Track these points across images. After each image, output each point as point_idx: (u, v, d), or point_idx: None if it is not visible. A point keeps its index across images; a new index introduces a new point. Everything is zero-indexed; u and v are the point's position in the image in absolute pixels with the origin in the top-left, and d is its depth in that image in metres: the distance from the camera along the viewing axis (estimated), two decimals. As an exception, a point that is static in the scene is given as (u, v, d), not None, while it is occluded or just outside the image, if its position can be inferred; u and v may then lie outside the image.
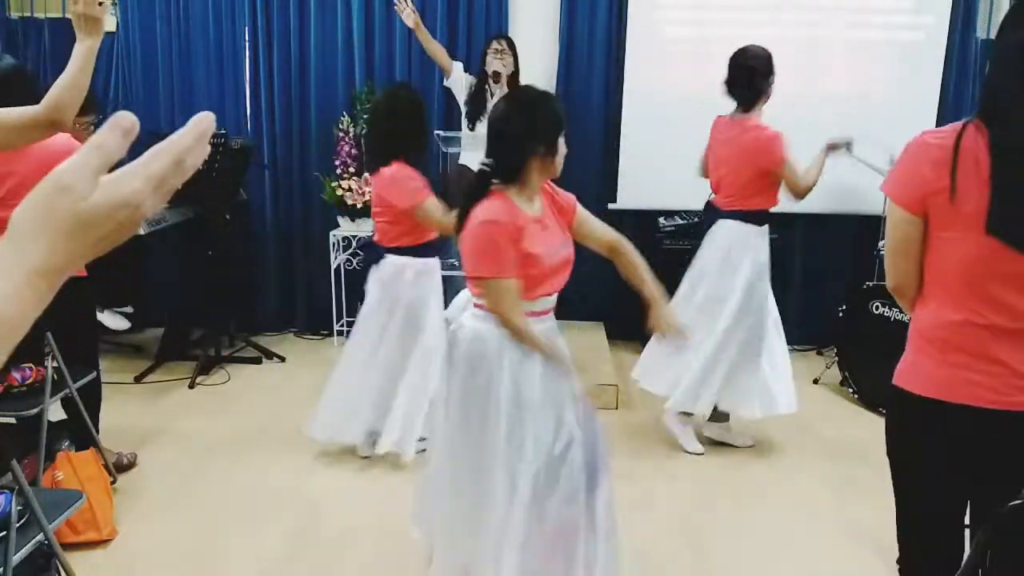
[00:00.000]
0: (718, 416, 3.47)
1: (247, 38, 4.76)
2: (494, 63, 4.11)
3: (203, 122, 0.57)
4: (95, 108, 3.93)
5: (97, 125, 3.84)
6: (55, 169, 0.53)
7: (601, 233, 2.20)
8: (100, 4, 1.84)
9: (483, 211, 1.97)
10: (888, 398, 1.70)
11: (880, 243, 4.14)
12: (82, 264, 0.55)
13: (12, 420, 2.73)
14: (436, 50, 4.28)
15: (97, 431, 2.98)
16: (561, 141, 2.03)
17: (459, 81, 4.34)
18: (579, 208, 2.17)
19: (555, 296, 2.13)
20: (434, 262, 3.18)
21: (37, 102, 2.61)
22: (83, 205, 0.52)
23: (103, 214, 0.53)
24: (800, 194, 3.19)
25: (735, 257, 3.26)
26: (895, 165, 1.60)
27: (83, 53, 1.88)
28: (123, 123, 0.55)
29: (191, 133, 0.57)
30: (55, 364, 2.65)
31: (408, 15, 4.12)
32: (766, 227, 3.33)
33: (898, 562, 1.78)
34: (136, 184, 0.54)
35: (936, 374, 1.56)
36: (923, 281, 1.61)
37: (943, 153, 1.48)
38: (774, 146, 3.12)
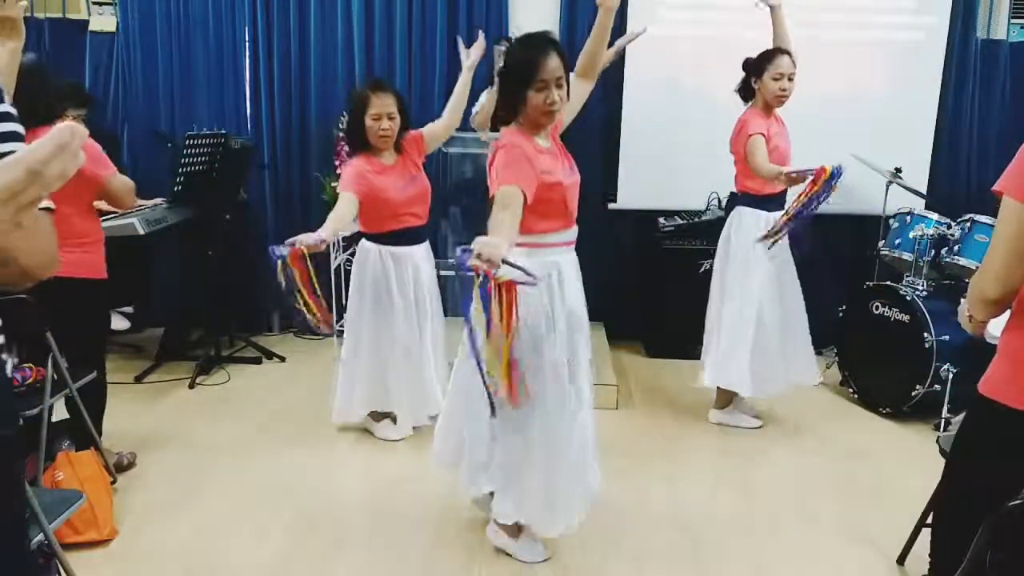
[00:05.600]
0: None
1: (247, 38, 4.76)
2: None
3: (64, 132, 0.53)
4: (85, 102, 3.93)
5: (87, 119, 3.84)
6: None
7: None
8: (19, 5, 1.81)
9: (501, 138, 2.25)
10: (975, 410, 1.63)
11: (880, 243, 4.14)
12: None
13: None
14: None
15: (100, 432, 2.98)
16: (543, 82, 2.20)
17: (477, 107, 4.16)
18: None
19: (575, 228, 2.41)
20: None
21: (49, 99, 2.58)
22: None
23: None
24: (760, 171, 3.33)
25: (733, 238, 3.54)
26: (1014, 163, 1.48)
27: (4, 57, 1.83)
28: None
29: (49, 144, 0.53)
30: (61, 363, 2.65)
31: None
32: (759, 210, 3.46)
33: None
34: None
35: None
36: None
37: None
38: (742, 126, 3.41)
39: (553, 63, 2.20)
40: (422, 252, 3.35)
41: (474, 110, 4.14)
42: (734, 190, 3.60)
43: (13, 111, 1.05)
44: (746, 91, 3.50)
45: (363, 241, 3.33)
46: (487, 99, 4.17)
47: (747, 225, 3.46)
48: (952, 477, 1.67)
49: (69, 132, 0.55)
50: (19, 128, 1.05)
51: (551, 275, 2.30)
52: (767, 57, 3.37)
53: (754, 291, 3.44)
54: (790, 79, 3.34)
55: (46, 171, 0.53)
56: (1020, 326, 1.54)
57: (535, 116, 2.26)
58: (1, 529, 1.14)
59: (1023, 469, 1.52)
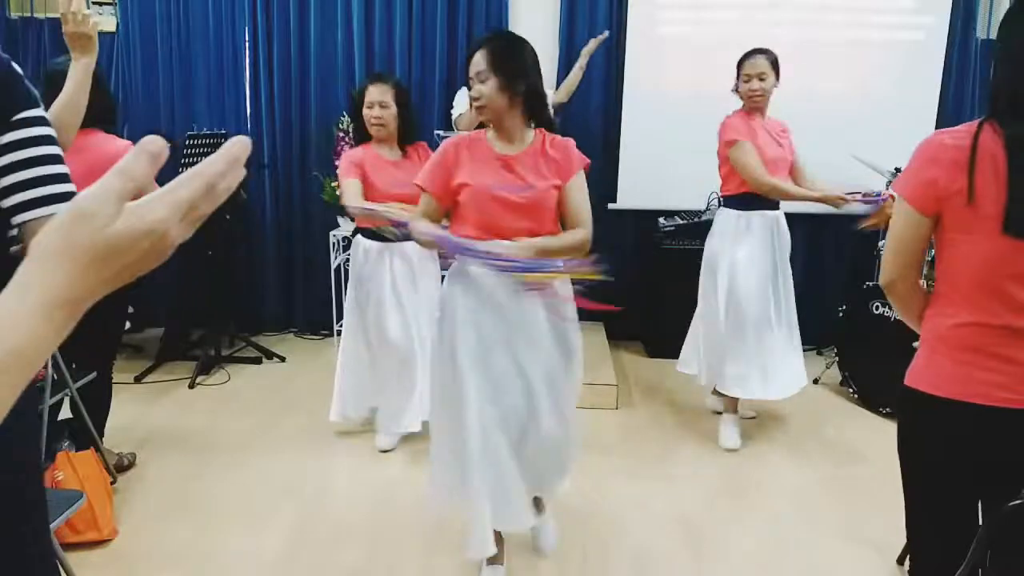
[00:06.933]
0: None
1: (247, 38, 4.76)
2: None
3: (236, 146, 0.54)
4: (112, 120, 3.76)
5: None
6: (78, 195, 0.50)
7: (571, 221, 2.27)
8: (91, 21, 1.84)
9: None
10: (900, 400, 1.69)
11: (880, 243, 4.14)
12: (105, 292, 0.52)
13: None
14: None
15: (102, 433, 2.98)
16: (479, 86, 2.11)
17: (460, 109, 4.12)
18: (575, 179, 2.28)
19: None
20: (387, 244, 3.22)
21: (106, 101, 2.60)
22: (104, 233, 0.50)
23: (125, 243, 0.50)
24: (753, 183, 3.31)
25: (720, 241, 3.50)
26: (909, 164, 1.56)
27: (79, 72, 1.87)
28: (150, 147, 0.52)
29: (223, 158, 0.53)
30: (61, 364, 2.65)
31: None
32: (749, 212, 3.42)
33: (911, 573, 1.75)
34: (161, 212, 0.51)
35: (950, 373, 1.55)
36: (937, 282, 1.60)
37: (961, 154, 1.46)
38: (721, 130, 3.35)
39: (475, 59, 2.12)
40: (410, 247, 3.19)
41: (455, 112, 4.14)
42: (717, 192, 3.63)
43: (54, 133, 1.10)
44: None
45: (357, 236, 3.31)
46: (467, 102, 4.16)
47: (729, 225, 3.45)
48: (901, 470, 1.73)
49: (240, 146, 0.55)
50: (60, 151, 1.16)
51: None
52: (741, 59, 3.32)
53: (743, 292, 3.44)
54: (760, 79, 3.24)
55: (220, 185, 0.53)
56: (933, 315, 1.62)
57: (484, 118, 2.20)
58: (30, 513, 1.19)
59: (951, 454, 1.59)
